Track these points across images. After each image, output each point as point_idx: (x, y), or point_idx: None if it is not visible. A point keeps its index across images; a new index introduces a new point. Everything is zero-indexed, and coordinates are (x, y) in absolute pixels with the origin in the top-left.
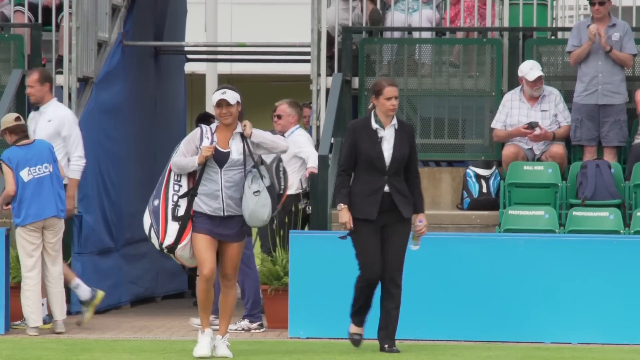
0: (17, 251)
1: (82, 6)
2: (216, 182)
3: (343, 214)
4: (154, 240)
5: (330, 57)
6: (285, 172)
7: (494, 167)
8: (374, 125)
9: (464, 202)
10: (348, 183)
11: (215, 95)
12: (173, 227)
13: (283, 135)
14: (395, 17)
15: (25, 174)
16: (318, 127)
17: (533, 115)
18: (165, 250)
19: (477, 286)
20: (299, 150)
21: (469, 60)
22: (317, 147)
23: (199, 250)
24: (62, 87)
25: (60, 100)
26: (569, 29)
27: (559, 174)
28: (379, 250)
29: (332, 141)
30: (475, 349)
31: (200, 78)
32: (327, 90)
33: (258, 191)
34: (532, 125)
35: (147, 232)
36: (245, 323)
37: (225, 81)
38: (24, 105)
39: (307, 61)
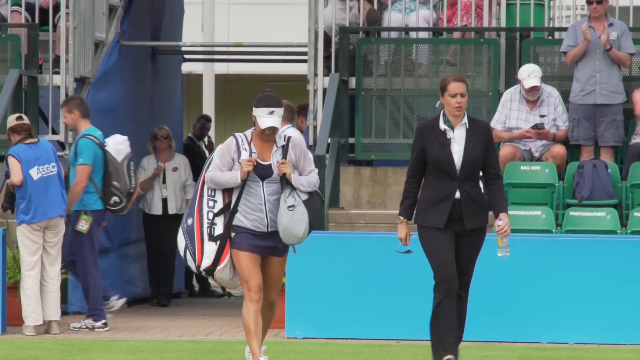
0: (14, 251)
1: (79, 6)
2: (259, 195)
3: (401, 229)
4: (191, 263)
5: (327, 57)
6: (135, 171)
7: None
8: (442, 125)
9: None
10: (414, 192)
11: (261, 115)
12: (210, 248)
13: None
14: (392, 17)
15: (34, 173)
16: (315, 127)
17: (532, 120)
18: (204, 273)
19: (474, 286)
20: None
21: (466, 60)
22: (314, 147)
23: (243, 267)
24: (59, 87)
25: (58, 100)
26: (566, 29)
27: (556, 174)
28: (452, 252)
29: (329, 141)
30: (471, 348)
31: (197, 78)
32: (324, 91)
33: (292, 206)
34: (538, 127)
35: (182, 254)
36: (89, 321)
37: (222, 82)
38: (21, 105)
39: (304, 61)
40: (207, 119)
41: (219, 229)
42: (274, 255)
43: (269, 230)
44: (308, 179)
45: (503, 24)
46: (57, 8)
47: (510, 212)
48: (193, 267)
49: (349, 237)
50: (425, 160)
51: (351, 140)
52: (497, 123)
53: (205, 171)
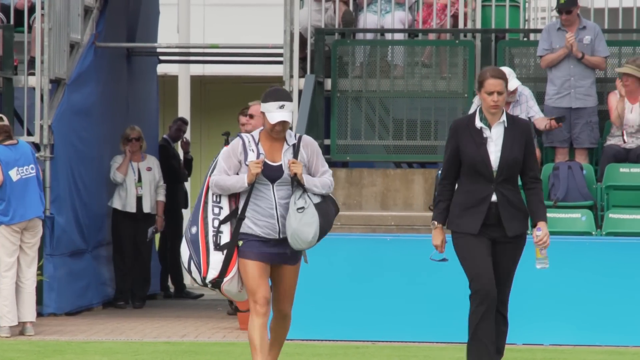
0: None
1: (54, 7)
2: (269, 199)
3: (435, 235)
4: (195, 275)
5: (302, 59)
6: None
7: None
8: (479, 123)
9: None
10: (448, 195)
11: (270, 109)
12: (216, 258)
13: None
14: (368, 19)
15: (14, 174)
16: (290, 129)
17: None
18: (210, 286)
19: (449, 287)
20: None
21: (442, 61)
22: None
23: (250, 277)
24: (34, 88)
25: (33, 102)
26: (541, 31)
27: None
28: (489, 260)
29: None
30: (447, 350)
31: (173, 79)
32: (300, 92)
33: (302, 208)
34: (560, 120)
35: (185, 265)
36: None
37: (198, 83)
38: None
39: (280, 62)
40: (184, 121)
41: (225, 238)
42: (286, 264)
43: (281, 236)
44: (322, 180)
45: (478, 26)
46: (32, 9)
47: None
48: (198, 279)
49: (324, 239)
50: (459, 160)
51: (327, 141)
52: None
53: (210, 175)
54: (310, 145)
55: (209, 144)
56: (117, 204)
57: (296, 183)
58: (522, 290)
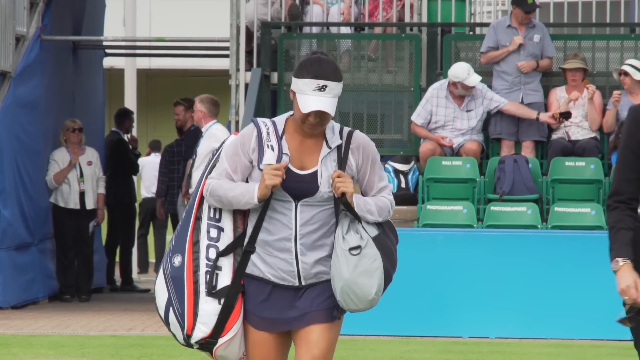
0: None
1: None
2: (287, 225)
3: (622, 277)
4: (176, 330)
5: (249, 52)
6: None
7: (413, 162)
8: None
9: None
10: (629, 218)
11: (304, 89)
12: (208, 308)
13: (200, 130)
14: (315, 12)
15: None
16: (237, 123)
17: (460, 116)
18: (196, 347)
19: (395, 281)
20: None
21: (388, 55)
22: None
23: (256, 357)
24: None
25: None
26: (487, 25)
27: (477, 169)
28: None
29: None
30: (393, 343)
31: (119, 73)
32: (246, 86)
33: (358, 247)
34: (566, 117)
35: (161, 312)
36: None
37: (144, 76)
38: None
39: (226, 56)
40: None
41: (224, 278)
42: (314, 323)
43: (303, 283)
44: (379, 202)
45: (424, 19)
46: None
47: (431, 206)
48: (180, 337)
49: None
50: None
51: None
52: (418, 117)
53: (206, 177)
54: (363, 148)
55: (155, 137)
56: (59, 200)
57: (345, 207)
58: (467, 283)
